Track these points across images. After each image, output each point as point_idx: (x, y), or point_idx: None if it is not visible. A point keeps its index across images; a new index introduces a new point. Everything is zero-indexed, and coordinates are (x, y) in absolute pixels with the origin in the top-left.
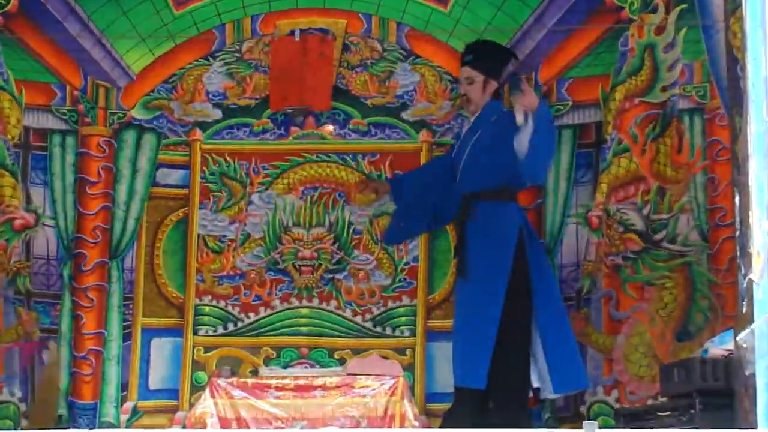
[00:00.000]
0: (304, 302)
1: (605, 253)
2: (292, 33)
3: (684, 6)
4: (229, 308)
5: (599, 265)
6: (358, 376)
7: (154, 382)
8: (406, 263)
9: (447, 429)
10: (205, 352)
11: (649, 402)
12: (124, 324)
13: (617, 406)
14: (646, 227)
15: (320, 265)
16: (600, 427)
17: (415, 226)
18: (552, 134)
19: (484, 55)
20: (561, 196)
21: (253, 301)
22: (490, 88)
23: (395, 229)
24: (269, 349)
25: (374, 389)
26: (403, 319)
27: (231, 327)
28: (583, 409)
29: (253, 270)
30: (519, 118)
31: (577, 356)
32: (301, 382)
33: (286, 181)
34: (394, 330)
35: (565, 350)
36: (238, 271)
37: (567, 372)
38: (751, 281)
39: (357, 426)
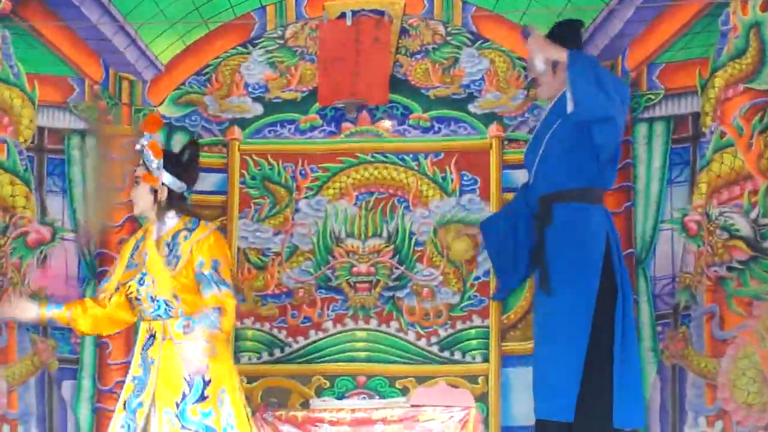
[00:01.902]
0: (361, 324)
1: (707, 264)
2: (343, 16)
3: None
4: (275, 332)
5: (700, 278)
6: (423, 408)
7: None
8: (476, 278)
9: None
10: (249, 382)
11: None
12: None
13: None
14: (754, 233)
15: (378, 281)
16: None
17: (517, 269)
18: (586, 64)
19: (551, 31)
20: (653, 199)
21: (302, 323)
22: (562, 68)
23: (500, 282)
24: (321, 378)
25: (442, 422)
26: (474, 342)
27: (278, 353)
28: None
29: (302, 288)
30: (540, 67)
31: (640, 389)
32: (359, 415)
33: (337, 185)
34: (463, 355)
35: (632, 381)
36: (285, 289)
37: (628, 406)
38: None
39: None
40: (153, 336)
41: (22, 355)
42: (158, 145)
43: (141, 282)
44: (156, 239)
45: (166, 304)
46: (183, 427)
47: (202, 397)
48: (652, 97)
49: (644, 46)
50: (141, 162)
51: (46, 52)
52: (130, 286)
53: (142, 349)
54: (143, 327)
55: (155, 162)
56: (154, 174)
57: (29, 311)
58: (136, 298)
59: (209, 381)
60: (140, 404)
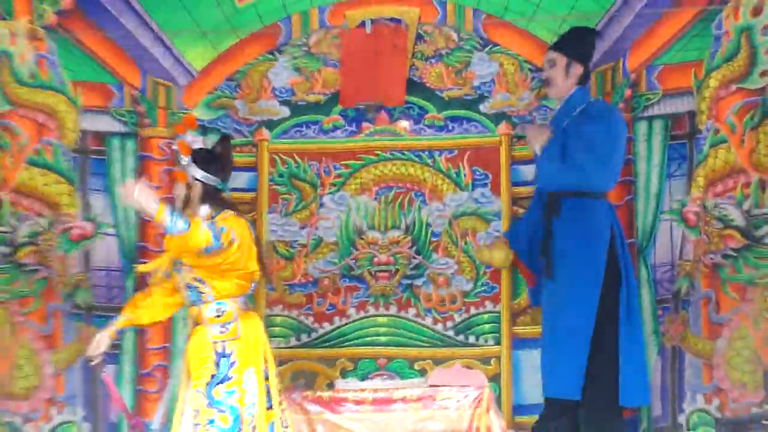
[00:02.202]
0: (382, 310)
1: (703, 252)
2: (363, 24)
3: None
4: (302, 318)
5: (697, 265)
6: (440, 388)
7: None
8: (489, 267)
9: None
10: (279, 365)
11: (753, 410)
12: None
13: (718, 415)
14: (747, 223)
15: (397, 270)
16: None
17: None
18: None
19: (567, 36)
20: (653, 192)
21: (327, 310)
22: (575, 72)
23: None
24: (345, 360)
25: (458, 401)
26: (487, 326)
27: (304, 338)
28: (681, 418)
29: (327, 277)
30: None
31: (645, 370)
32: (380, 394)
33: (358, 181)
34: (477, 338)
35: (637, 362)
36: (311, 279)
37: (634, 385)
38: None
39: None
40: (193, 321)
41: (68, 342)
42: (186, 144)
43: (179, 270)
44: None
45: (197, 290)
46: (209, 404)
47: (227, 378)
48: (651, 96)
49: (644, 50)
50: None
51: (89, 61)
52: (175, 275)
53: (188, 333)
54: (189, 313)
55: (185, 159)
56: (185, 171)
57: (106, 341)
58: (180, 287)
59: (234, 363)
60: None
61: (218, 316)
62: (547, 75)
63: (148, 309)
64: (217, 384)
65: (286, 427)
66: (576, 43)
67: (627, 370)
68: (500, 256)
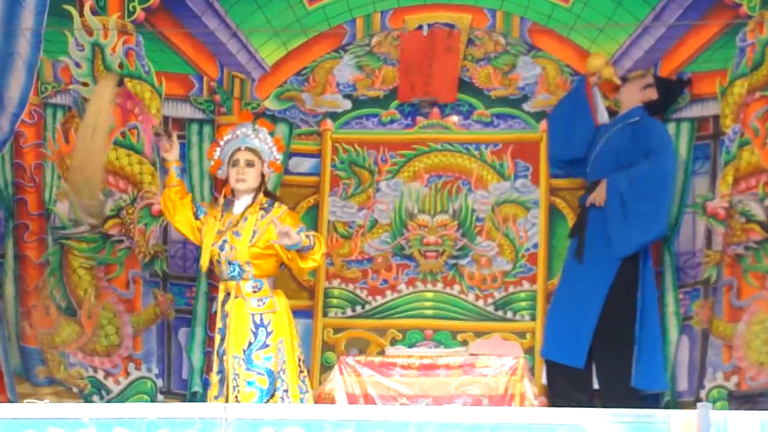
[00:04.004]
0: (429, 286)
1: (727, 243)
2: (420, 28)
3: None
4: (357, 291)
5: (722, 255)
6: (479, 357)
7: None
8: (527, 249)
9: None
10: (335, 333)
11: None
12: None
13: (735, 390)
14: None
15: (444, 250)
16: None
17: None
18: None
19: (671, 88)
20: (679, 187)
21: (380, 284)
22: (647, 95)
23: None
24: (395, 331)
25: (496, 369)
26: (524, 303)
27: (359, 309)
28: (702, 394)
29: (381, 255)
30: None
31: (661, 356)
32: (426, 361)
33: (412, 169)
34: (515, 314)
35: (653, 345)
36: (366, 256)
37: (649, 369)
38: None
39: (478, 404)
40: (228, 294)
41: (146, 306)
42: (279, 140)
43: (222, 248)
44: (239, 213)
45: (240, 268)
46: (248, 368)
47: (265, 345)
48: (680, 101)
49: (674, 59)
50: (248, 148)
51: (172, 54)
52: (212, 251)
53: (222, 305)
54: (221, 287)
55: (279, 155)
56: (277, 163)
57: (172, 153)
58: (217, 261)
59: (271, 332)
60: (224, 351)
61: (255, 291)
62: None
63: (176, 204)
64: (257, 350)
65: (306, 392)
66: (670, 94)
67: (641, 354)
68: (598, 62)
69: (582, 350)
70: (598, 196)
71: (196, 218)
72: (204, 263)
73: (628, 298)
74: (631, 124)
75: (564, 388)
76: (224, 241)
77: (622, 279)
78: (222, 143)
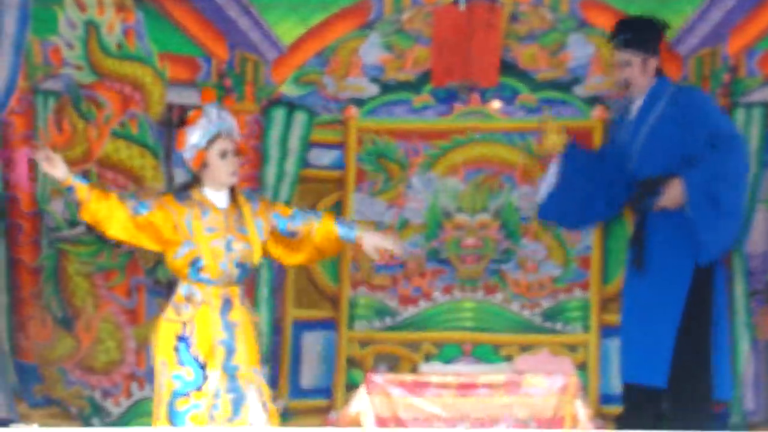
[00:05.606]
0: (468, 295)
1: None
2: (457, 2)
3: None
4: (387, 300)
5: None
6: (525, 374)
7: (306, 380)
8: (579, 252)
9: None
10: (361, 348)
11: None
12: (274, 317)
13: None
14: None
15: (485, 254)
16: None
17: (578, 208)
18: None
19: (637, 33)
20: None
21: (413, 293)
22: (651, 66)
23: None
24: (430, 345)
25: (544, 388)
26: (576, 313)
27: (388, 321)
28: None
29: (413, 259)
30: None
31: (729, 363)
32: (464, 379)
33: (447, 162)
34: (565, 325)
35: (723, 356)
36: (397, 261)
37: (727, 378)
38: None
39: (524, 428)
40: (229, 301)
41: (151, 317)
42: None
43: (229, 248)
44: (224, 208)
45: (246, 269)
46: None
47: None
48: (751, 83)
49: (744, 35)
50: (229, 135)
51: (176, 33)
52: (212, 251)
53: (221, 314)
54: (213, 293)
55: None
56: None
57: (59, 170)
58: (219, 263)
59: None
60: (236, 367)
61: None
62: (625, 76)
63: (107, 210)
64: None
65: None
66: (646, 37)
67: (720, 362)
68: (555, 141)
69: (662, 368)
70: (672, 198)
71: (137, 214)
72: (213, 266)
73: (704, 307)
74: (668, 105)
75: (638, 413)
76: (229, 240)
77: (697, 287)
78: (195, 129)
